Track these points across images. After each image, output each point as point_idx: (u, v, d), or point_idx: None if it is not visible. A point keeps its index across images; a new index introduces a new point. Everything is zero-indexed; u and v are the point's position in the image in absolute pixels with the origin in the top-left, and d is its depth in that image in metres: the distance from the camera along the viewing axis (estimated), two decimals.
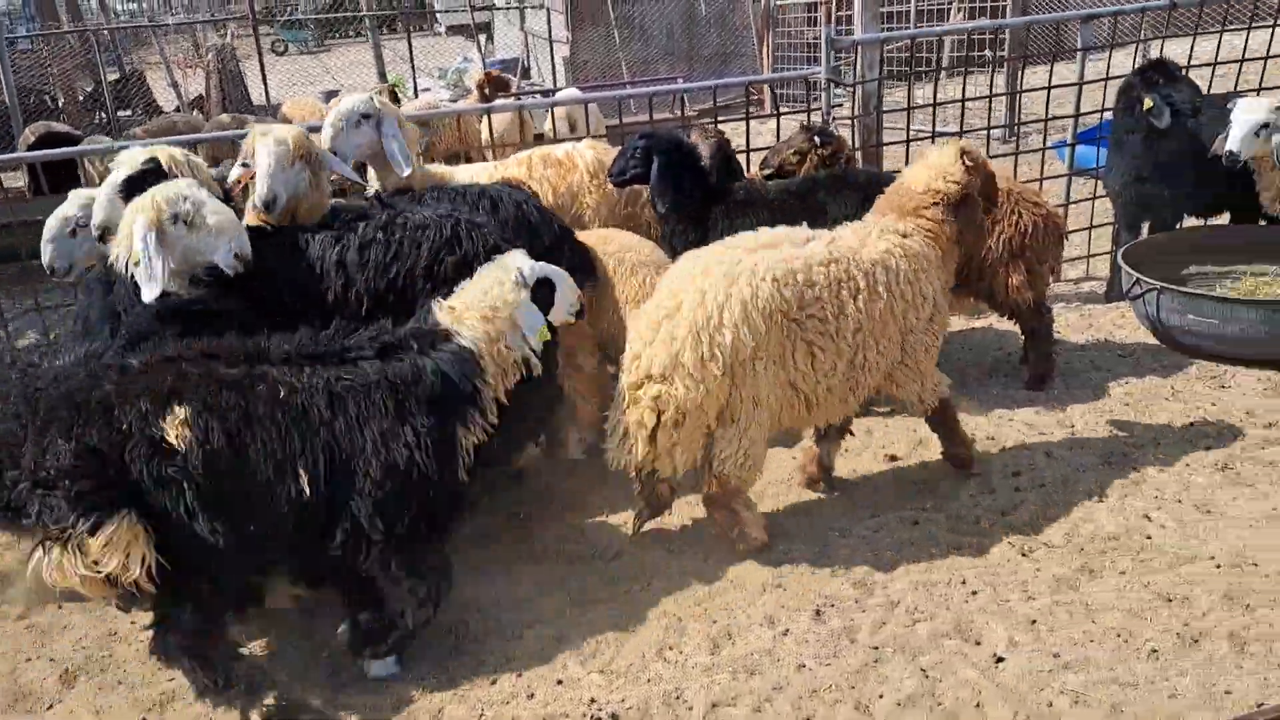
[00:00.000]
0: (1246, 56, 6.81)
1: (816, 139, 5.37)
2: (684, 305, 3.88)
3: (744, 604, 3.85)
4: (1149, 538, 4.02)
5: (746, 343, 3.83)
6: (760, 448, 4.04)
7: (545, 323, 3.78)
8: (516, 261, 3.82)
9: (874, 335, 4.09)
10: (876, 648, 3.54)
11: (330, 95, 14.18)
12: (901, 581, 3.90)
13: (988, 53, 11.61)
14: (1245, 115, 5.49)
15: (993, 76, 7.62)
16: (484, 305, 3.69)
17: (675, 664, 3.57)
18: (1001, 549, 4.04)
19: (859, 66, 6.09)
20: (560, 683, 3.54)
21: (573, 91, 10.66)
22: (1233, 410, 4.96)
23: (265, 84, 14.10)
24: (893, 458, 4.87)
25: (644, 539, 4.28)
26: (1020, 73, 9.13)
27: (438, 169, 5.53)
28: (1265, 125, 5.46)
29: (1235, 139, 5.47)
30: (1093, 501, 4.29)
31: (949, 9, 15.24)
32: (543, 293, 3.81)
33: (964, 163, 4.30)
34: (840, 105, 6.40)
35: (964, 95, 6.84)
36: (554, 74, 15.17)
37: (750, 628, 3.71)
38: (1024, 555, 3.99)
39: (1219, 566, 3.79)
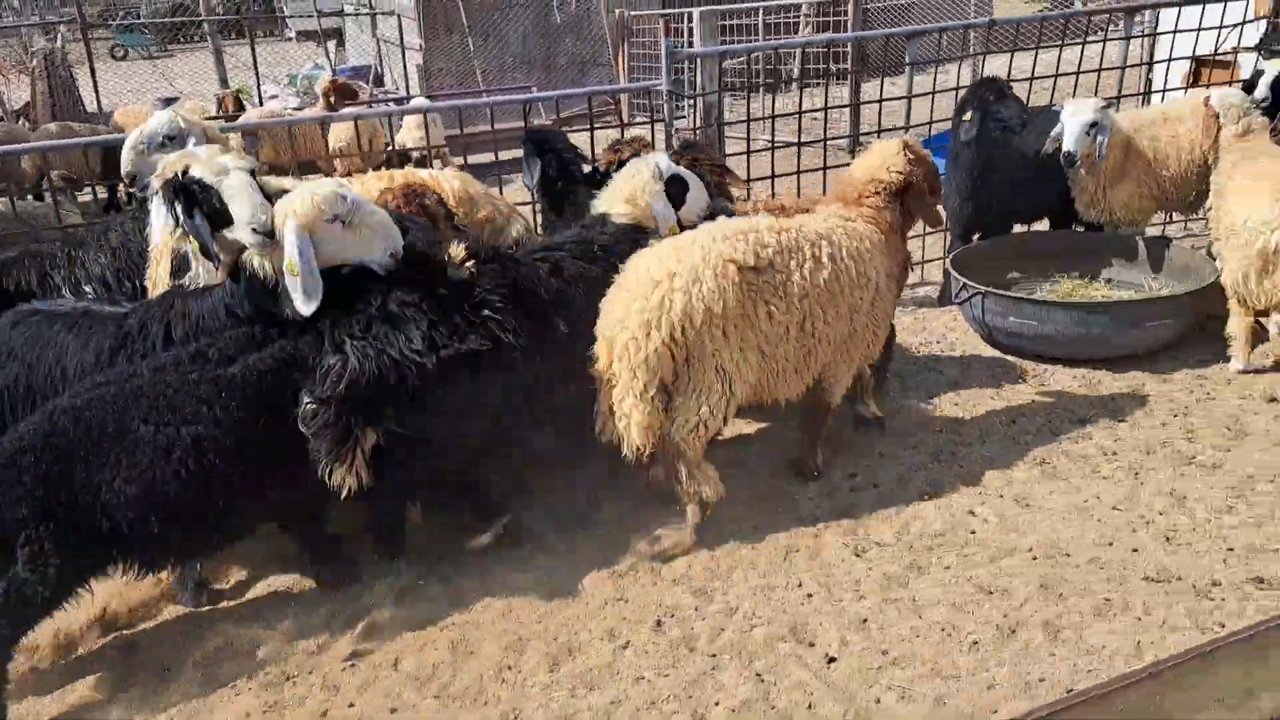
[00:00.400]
0: (1061, 71, 7.23)
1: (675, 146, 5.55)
2: (635, 278, 4.01)
3: (585, 618, 3.83)
4: (973, 532, 4.19)
5: (698, 306, 3.90)
6: (717, 419, 4.09)
7: (676, 219, 4.39)
8: (656, 158, 4.58)
9: (820, 304, 4.21)
10: (714, 655, 3.57)
11: (168, 102, 13.55)
12: (740, 587, 3.94)
13: (833, 66, 12.04)
14: (1076, 116, 5.81)
15: (827, 89, 7.82)
16: (626, 192, 4.53)
17: (514, 684, 3.52)
18: (837, 550, 4.14)
19: (699, 79, 6.18)
20: (394, 710, 3.44)
21: (421, 101, 10.49)
22: (1051, 407, 5.22)
23: (96, 91, 13.38)
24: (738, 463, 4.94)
25: (483, 557, 4.21)
26: (858, 85, 9.50)
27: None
28: (1094, 124, 5.79)
29: (1071, 139, 5.78)
30: (923, 500, 4.45)
31: (798, 23, 15.71)
32: (676, 189, 4.50)
33: (906, 155, 4.55)
34: (684, 117, 6.47)
35: (800, 107, 7.05)
36: (407, 81, 14.89)
37: (591, 643, 3.68)
38: (857, 555, 4.10)
39: (1035, 558, 3.97)
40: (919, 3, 14.32)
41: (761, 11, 12.82)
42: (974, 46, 8.06)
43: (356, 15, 18.71)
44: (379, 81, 16.79)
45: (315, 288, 3.68)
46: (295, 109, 13.48)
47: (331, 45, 19.00)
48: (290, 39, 26.14)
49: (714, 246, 4.01)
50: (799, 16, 15.58)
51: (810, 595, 3.88)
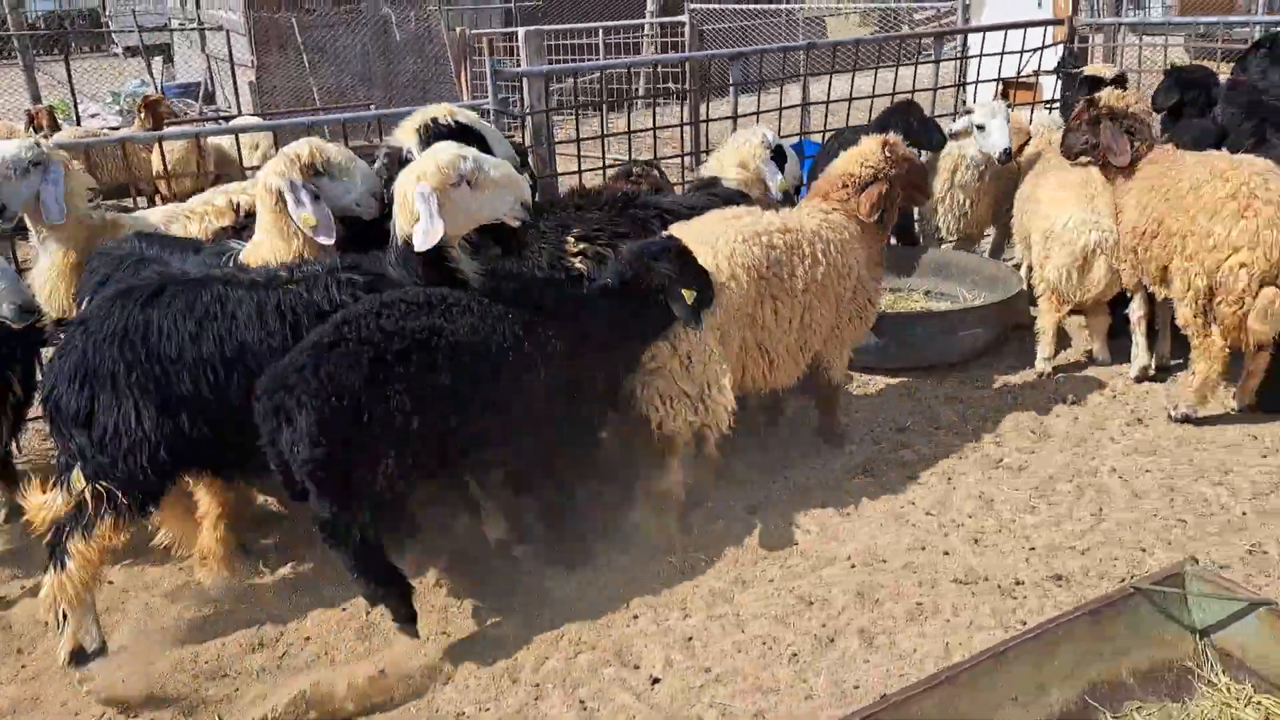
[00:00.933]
0: (878, 92, 7.52)
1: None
2: None
3: (408, 655, 3.69)
4: (796, 543, 4.27)
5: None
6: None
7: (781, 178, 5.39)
8: (763, 130, 5.59)
9: (817, 297, 4.50)
10: (538, 685, 3.51)
11: None
12: (568, 613, 3.89)
13: (673, 85, 12.25)
14: (996, 116, 6.09)
15: (655, 109, 7.90)
16: (738, 158, 5.50)
17: None
18: (665, 569, 4.13)
19: (526, 98, 6.14)
20: None
21: (247, 119, 10.09)
22: (873, 416, 5.39)
23: None
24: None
25: (295, 593, 4.03)
26: (696, 105, 9.66)
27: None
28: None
29: (1005, 136, 6.02)
30: (749, 514, 4.50)
31: (640, 43, 15.93)
32: (778, 158, 5.52)
33: (884, 152, 4.74)
34: (512, 136, 6.42)
35: (629, 127, 7.10)
36: (238, 100, 14.33)
37: (409, 678, 3.56)
38: (684, 573, 4.10)
39: (854, 566, 4.07)
40: (754, 26, 14.72)
41: (602, 32, 12.91)
42: (804, 68, 8.28)
43: (183, 30, 17.91)
44: (209, 99, 16.12)
45: (432, 230, 3.59)
46: (113, 128, 12.78)
47: (159, 62, 18.12)
48: (117, 55, 24.82)
49: (738, 248, 4.28)
50: (641, 37, 15.82)
51: (637, 616, 3.86)
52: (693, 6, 12.17)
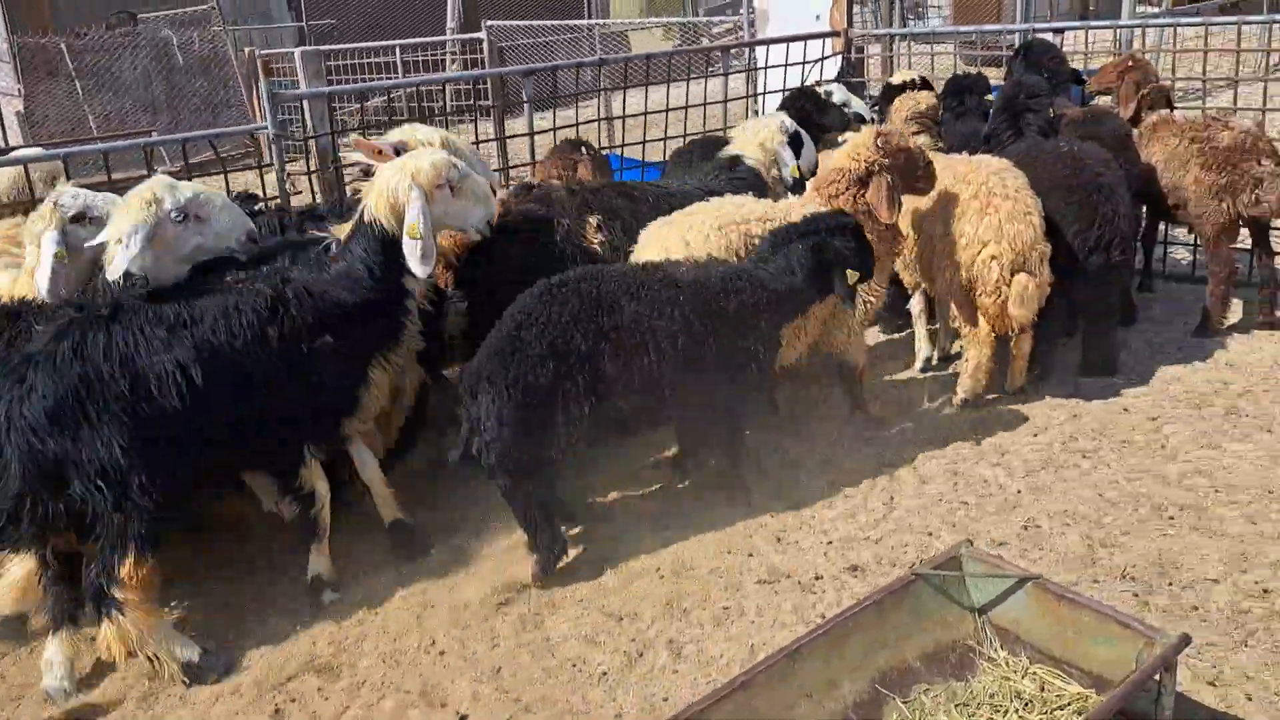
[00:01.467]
0: (672, 106, 7.65)
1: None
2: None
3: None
4: (607, 559, 4.25)
5: None
6: None
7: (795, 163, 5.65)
8: (781, 116, 6.01)
9: None
10: None
11: None
12: (370, 657, 3.74)
13: (478, 102, 12.08)
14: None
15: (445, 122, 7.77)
16: (759, 139, 5.75)
17: None
18: (473, 598, 4.03)
19: (307, 121, 5.92)
20: None
21: (33, 150, 9.29)
22: None
23: None
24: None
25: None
26: (502, 119, 9.59)
27: None
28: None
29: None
30: (567, 531, 4.45)
31: (443, 59, 15.68)
32: (796, 141, 5.81)
33: (877, 144, 4.76)
34: (294, 160, 6.17)
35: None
36: (4, 131, 13.21)
37: None
38: (492, 600, 4.01)
39: (664, 576, 4.09)
40: (556, 42, 14.75)
41: (399, 50, 12.63)
42: (601, 83, 8.33)
43: None
44: None
45: (431, 252, 3.96)
46: None
47: None
48: None
49: (712, 236, 4.54)
50: (443, 54, 15.58)
51: (444, 652, 3.75)
52: (490, 23, 12.05)
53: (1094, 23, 10.95)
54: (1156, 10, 18.10)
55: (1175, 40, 10.30)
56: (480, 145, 7.93)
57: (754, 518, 4.47)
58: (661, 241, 4.62)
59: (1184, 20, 11.59)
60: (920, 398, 5.54)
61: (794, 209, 4.77)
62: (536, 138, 7.08)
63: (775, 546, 4.24)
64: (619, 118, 8.20)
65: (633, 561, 4.21)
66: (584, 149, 6.27)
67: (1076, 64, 8.69)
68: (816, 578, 4.01)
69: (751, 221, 4.67)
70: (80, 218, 4.19)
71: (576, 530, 4.46)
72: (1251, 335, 5.88)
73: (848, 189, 4.76)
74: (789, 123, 5.87)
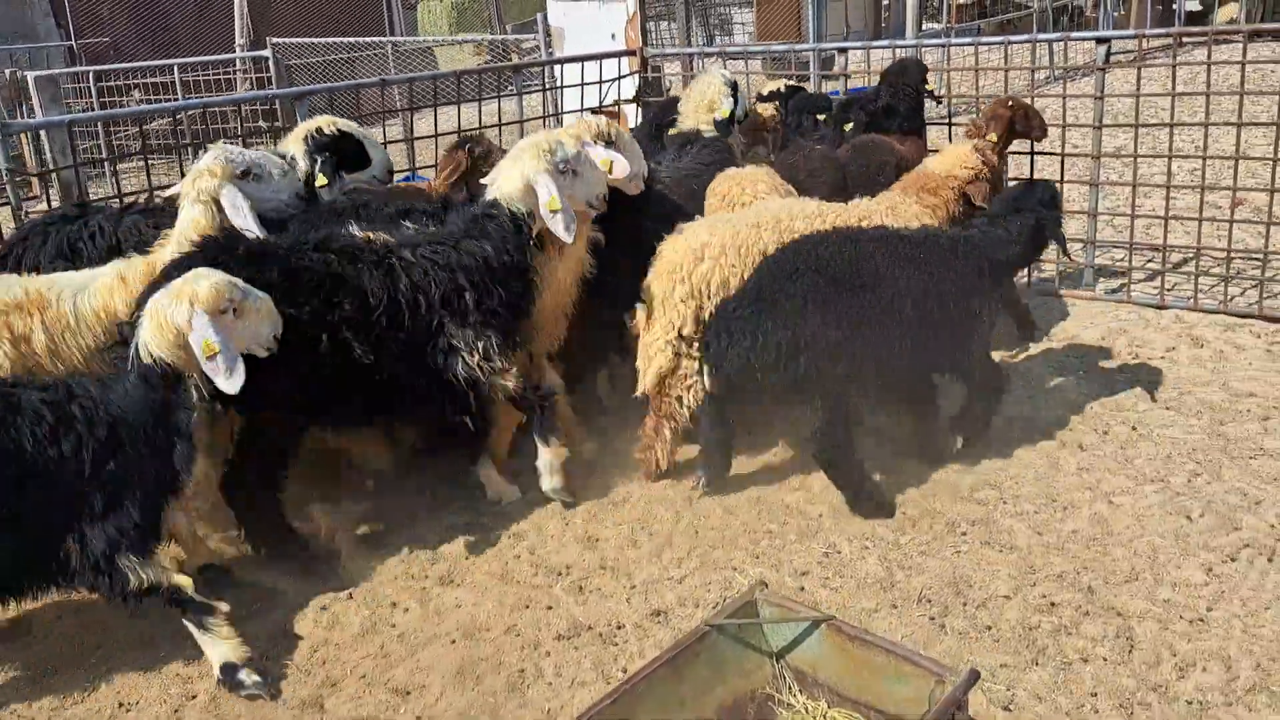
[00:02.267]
0: (485, 124, 7.37)
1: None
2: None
3: None
4: (394, 626, 3.92)
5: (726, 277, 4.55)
6: None
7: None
8: (716, 68, 6.61)
9: None
10: None
11: None
12: None
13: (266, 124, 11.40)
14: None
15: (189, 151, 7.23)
16: (706, 102, 6.03)
17: None
18: (230, 677, 3.62)
19: (49, 153, 5.31)
20: None
21: None
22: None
23: None
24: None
25: None
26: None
27: None
28: None
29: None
30: (343, 599, 4.09)
31: (231, 79, 14.80)
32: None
33: (979, 156, 5.29)
34: (36, 198, 5.53)
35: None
36: None
37: None
38: (266, 686, 3.62)
39: (454, 641, 3.80)
40: (356, 59, 14.18)
41: (177, 69, 11.80)
42: (402, 102, 7.95)
43: None
44: None
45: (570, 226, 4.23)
46: None
47: None
48: None
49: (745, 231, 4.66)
50: (234, 73, 14.71)
51: None
52: (275, 41, 11.42)
53: (875, 43, 11.38)
54: (939, 27, 19.19)
55: (948, 59, 10.88)
56: None
57: (552, 564, 4.25)
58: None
59: (956, 41, 12.28)
60: None
61: (863, 209, 5.03)
62: None
63: (576, 596, 4.03)
64: (422, 138, 7.85)
65: (422, 627, 3.90)
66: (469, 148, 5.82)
67: (859, 81, 9.00)
68: (619, 627, 3.82)
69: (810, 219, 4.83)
70: (246, 174, 4.49)
71: (354, 590, 4.11)
72: (1029, 346, 6.12)
73: (955, 196, 5.24)
74: (727, 73, 6.21)
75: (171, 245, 4.32)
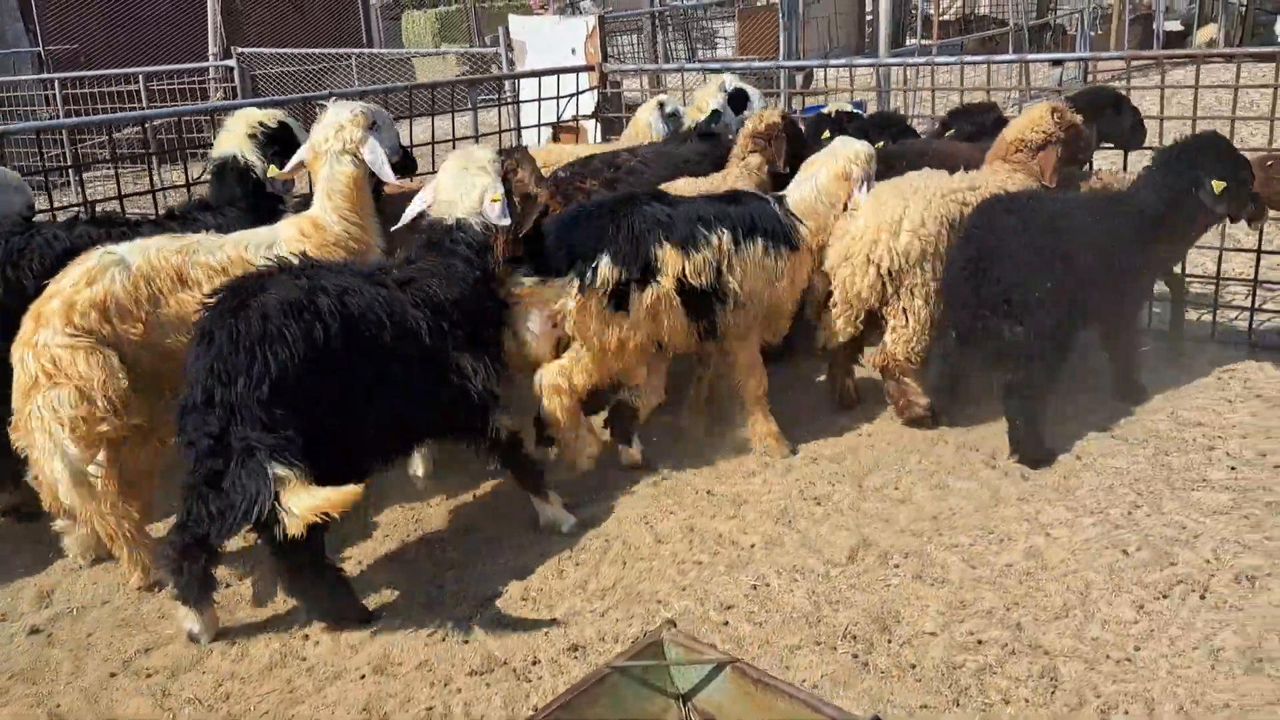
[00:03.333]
0: (438, 139, 7.28)
1: None
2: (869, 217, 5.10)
3: None
4: (304, 659, 3.80)
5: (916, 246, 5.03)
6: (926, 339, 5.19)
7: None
8: (723, 77, 6.98)
9: None
10: None
11: None
12: None
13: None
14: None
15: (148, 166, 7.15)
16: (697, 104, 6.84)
17: None
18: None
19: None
20: None
21: None
22: (387, 495, 5.04)
23: None
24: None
25: None
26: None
27: None
28: None
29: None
30: (255, 635, 3.97)
31: (209, 87, 14.68)
32: (740, 98, 6.83)
33: (1054, 118, 5.31)
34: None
35: (188, 179, 6.28)
36: None
37: None
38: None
39: (364, 676, 3.67)
40: (327, 69, 14.10)
41: (143, 78, 11.68)
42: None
43: None
44: None
45: None
46: None
47: None
48: None
49: (936, 202, 5.07)
50: (206, 81, 14.59)
51: None
52: (241, 51, 11.31)
53: (858, 60, 11.32)
54: (925, 43, 19.19)
55: (933, 78, 10.83)
56: None
57: (473, 594, 4.13)
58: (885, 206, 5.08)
59: (940, 60, 12.25)
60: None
61: (989, 177, 5.31)
62: None
63: (495, 628, 3.91)
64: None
65: (333, 661, 3.77)
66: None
67: (840, 99, 8.93)
68: (534, 662, 3.70)
69: (964, 190, 5.15)
70: (373, 125, 4.69)
71: (267, 617, 3.99)
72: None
73: (1028, 158, 5.34)
74: (728, 82, 6.85)
75: (322, 199, 4.59)
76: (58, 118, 11.64)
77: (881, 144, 5.97)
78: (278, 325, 3.57)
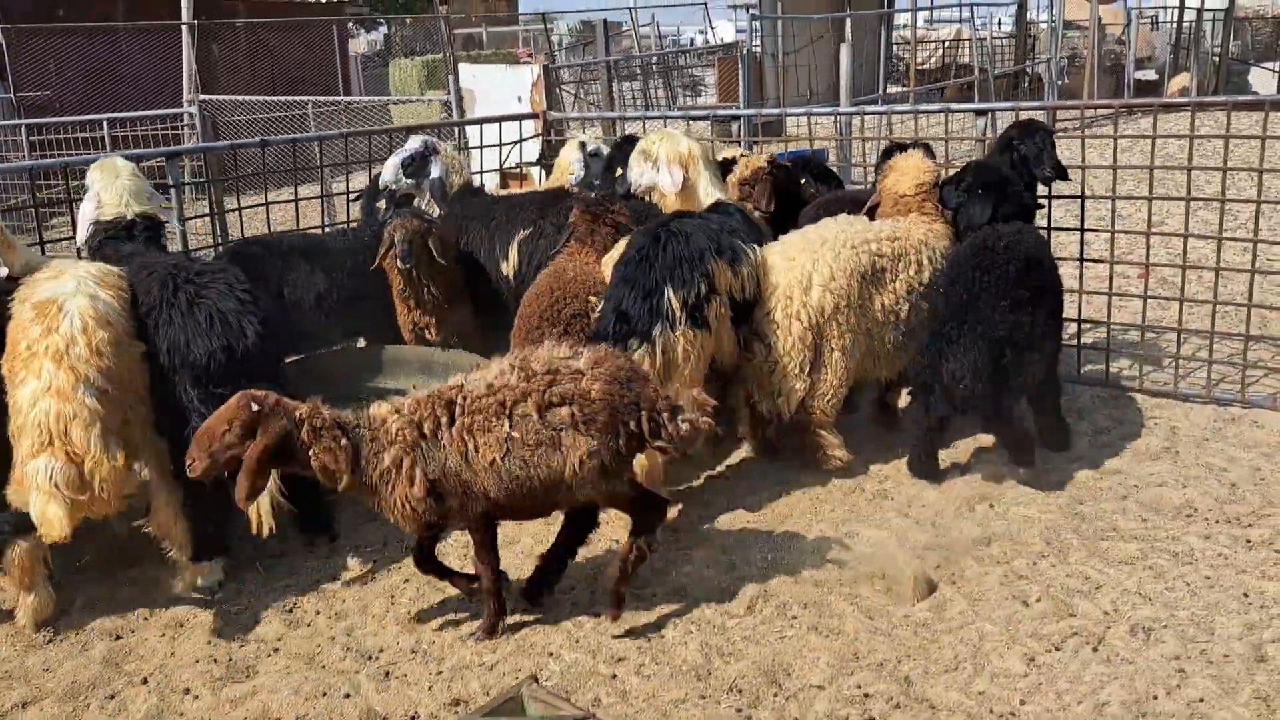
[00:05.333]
0: None
1: None
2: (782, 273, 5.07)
3: None
4: (181, 714, 3.72)
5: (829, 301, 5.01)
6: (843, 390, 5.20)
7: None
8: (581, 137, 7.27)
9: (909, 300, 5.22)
10: None
11: None
12: None
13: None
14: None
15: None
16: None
17: None
18: None
19: None
20: None
21: None
22: (288, 548, 4.98)
23: None
24: None
25: None
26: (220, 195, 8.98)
27: None
28: None
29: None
30: (133, 684, 3.89)
31: (183, 133, 14.78)
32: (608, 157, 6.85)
33: (933, 160, 5.56)
34: None
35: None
36: None
37: None
38: None
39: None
40: (296, 116, 14.22)
41: (107, 124, 11.75)
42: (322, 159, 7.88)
43: None
44: None
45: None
46: None
47: None
48: None
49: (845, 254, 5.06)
50: (180, 128, 14.69)
51: None
52: (202, 98, 11.41)
53: (816, 109, 11.44)
54: (909, 90, 19.42)
55: (891, 127, 10.95)
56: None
57: (366, 646, 4.06)
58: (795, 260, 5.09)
59: (898, 108, 12.41)
60: None
61: (910, 227, 5.31)
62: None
63: (379, 683, 3.83)
64: (335, 195, 7.84)
65: (210, 715, 3.69)
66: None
67: (802, 145, 9.01)
68: (413, 717, 3.63)
69: (882, 241, 5.18)
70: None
71: (149, 674, 3.91)
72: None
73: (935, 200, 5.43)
74: (589, 144, 6.94)
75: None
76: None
77: (804, 181, 6.04)
78: None
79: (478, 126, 8.19)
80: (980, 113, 6.86)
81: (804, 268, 5.02)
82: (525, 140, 7.93)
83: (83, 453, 3.93)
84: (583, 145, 6.70)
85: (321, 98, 15.69)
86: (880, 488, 5.13)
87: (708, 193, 5.74)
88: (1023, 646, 3.80)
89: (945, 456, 5.37)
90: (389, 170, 6.33)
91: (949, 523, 4.75)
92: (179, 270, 4.56)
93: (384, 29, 35.51)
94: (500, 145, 7.78)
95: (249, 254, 5.83)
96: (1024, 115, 6.29)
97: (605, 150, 6.62)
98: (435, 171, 6.25)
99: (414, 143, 6.36)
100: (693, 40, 38.37)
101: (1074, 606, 4.03)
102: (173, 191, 6.39)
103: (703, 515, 4.97)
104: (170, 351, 4.33)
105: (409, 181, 6.33)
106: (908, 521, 4.79)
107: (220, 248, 6.93)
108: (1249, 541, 4.45)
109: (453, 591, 4.33)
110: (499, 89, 8.43)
